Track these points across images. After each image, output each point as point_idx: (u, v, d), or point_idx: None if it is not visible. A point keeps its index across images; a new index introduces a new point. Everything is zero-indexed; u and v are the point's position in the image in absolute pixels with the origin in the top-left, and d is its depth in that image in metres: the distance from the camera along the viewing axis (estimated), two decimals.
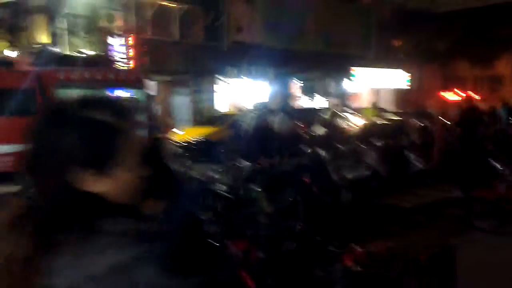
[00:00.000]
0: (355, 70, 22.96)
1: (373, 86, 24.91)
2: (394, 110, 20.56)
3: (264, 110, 6.10)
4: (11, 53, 14.13)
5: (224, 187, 4.60)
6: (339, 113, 15.13)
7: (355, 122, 14.68)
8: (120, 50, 15.79)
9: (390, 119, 15.42)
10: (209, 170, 5.64)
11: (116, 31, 15.80)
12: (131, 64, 15.84)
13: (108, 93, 10.78)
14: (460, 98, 22.85)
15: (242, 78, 19.28)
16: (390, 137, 9.33)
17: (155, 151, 2.22)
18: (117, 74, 13.05)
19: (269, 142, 5.77)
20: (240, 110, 15.02)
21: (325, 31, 21.15)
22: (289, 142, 5.99)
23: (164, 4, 17.33)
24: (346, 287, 3.20)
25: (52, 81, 10.48)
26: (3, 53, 14.04)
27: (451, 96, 24.15)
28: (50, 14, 15.03)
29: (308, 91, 21.86)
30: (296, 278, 3.64)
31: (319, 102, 21.38)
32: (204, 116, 17.42)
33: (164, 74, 17.14)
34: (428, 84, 25.68)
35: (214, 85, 19.23)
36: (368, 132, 10.24)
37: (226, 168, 5.97)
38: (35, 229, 0.94)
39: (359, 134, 10.71)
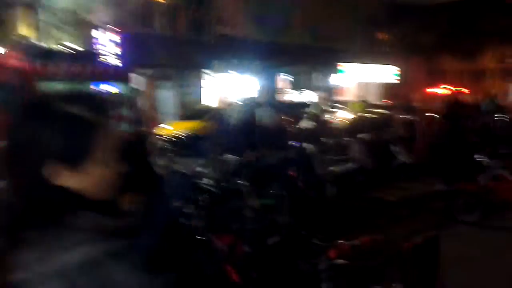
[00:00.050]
0: (343, 66, 23.03)
1: (360, 80, 25.01)
2: (382, 104, 20.66)
3: (250, 104, 6.10)
4: None
5: (210, 181, 4.59)
6: (326, 107, 15.15)
7: (342, 116, 14.74)
8: (105, 43, 15.61)
9: (377, 113, 15.48)
10: (195, 164, 5.62)
11: (100, 25, 15.61)
12: (116, 58, 15.67)
13: (92, 87, 10.68)
14: (445, 92, 23.09)
15: (228, 72, 19.21)
16: (376, 131, 9.38)
17: (137, 146, 2.20)
18: (102, 68, 12.92)
19: (255, 135, 5.78)
20: (226, 104, 14.97)
21: (312, 24, 21.15)
22: (275, 135, 6.01)
23: None
24: (331, 279, 3.22)
25: (35, 76, 10.36)
26: None
27: (437, 89, 24.38)
28: (34, 7, 14.80)
29: (297, 85, 21.87)
30: (281, 271, 3.66)
31: (307, 96, 21.40)
32: (190, 110, 17.32)
33: (149, 68, 17.01)
34: (414, 77, 25.87)
35: (201, 79, 19.15)
36: (355, 126, 10.28)
37: (212, 162, 5.97)
38: (7, 225, 0.93)
39: (346, 128, 10.75)
